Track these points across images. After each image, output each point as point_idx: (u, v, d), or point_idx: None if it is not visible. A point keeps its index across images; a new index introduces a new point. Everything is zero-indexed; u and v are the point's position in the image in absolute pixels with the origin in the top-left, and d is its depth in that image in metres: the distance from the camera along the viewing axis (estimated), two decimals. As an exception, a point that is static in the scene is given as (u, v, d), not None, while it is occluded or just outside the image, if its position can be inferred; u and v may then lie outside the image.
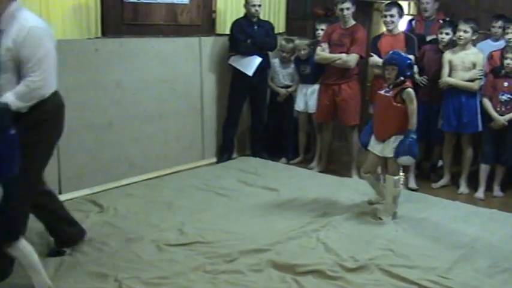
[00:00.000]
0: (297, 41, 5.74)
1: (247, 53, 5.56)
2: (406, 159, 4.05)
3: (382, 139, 4.11)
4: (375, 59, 4.99)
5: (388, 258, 3.47)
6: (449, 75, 4.86)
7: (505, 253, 3.61)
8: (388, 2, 5.21)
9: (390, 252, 3.57)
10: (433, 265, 3.38)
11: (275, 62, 5.91)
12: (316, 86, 5.56)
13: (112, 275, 3.16)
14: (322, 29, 5.58)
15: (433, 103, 5.02)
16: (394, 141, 4.04)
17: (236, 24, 5.61)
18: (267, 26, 5.78)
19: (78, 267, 3.26)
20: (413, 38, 4.98)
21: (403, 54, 4.20)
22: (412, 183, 5.07)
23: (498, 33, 5.06)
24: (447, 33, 4.91)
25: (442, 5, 5.56)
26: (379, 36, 5.18)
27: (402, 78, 4.02)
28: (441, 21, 5.20)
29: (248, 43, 5.53)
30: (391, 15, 4.94)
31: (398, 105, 4.01)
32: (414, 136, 3.98)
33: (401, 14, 5.03)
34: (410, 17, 5.72)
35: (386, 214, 4.15)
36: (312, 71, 5.54)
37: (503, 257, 3.54)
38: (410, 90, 4.01)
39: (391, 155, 4.06)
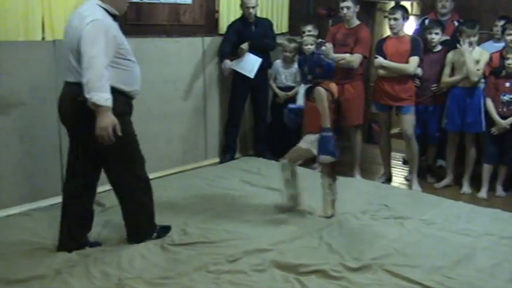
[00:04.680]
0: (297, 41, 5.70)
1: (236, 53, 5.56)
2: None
3: None
4: (380, 60, 4.99)
5: (391, 258, 3.47)
6: (453, 75, 4.87)
7: (508, 253, 3.61)
8: (393, 5, 5.20)
9: (393, 252, 3.57)
10: (437, 265, 3.38)
11: (278, 62, 5.90)
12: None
13: (115, 274, 3.17)
14: (309, 31, 5.65)
15: (428, 104, 5.08)
16: None
17: (231, 27, 5.62)
18: (265, 24, 5.76)
19: (82, 266, 3.26)
20: (418, 40, 4.98)
21: None
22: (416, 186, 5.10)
23: (499, 33, 5.04)
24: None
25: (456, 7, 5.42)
26: (384, 39, 5.17)
27: None
28: (456, 23, 5.17)
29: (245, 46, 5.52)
30: (395, 19, 4.94)
31: None
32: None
33: (405, 16, 5.02)
34: (424, 17, 5.57)
35: (324, 213, 4.19)
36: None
37: (507, 257, 3.54)
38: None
39: None
